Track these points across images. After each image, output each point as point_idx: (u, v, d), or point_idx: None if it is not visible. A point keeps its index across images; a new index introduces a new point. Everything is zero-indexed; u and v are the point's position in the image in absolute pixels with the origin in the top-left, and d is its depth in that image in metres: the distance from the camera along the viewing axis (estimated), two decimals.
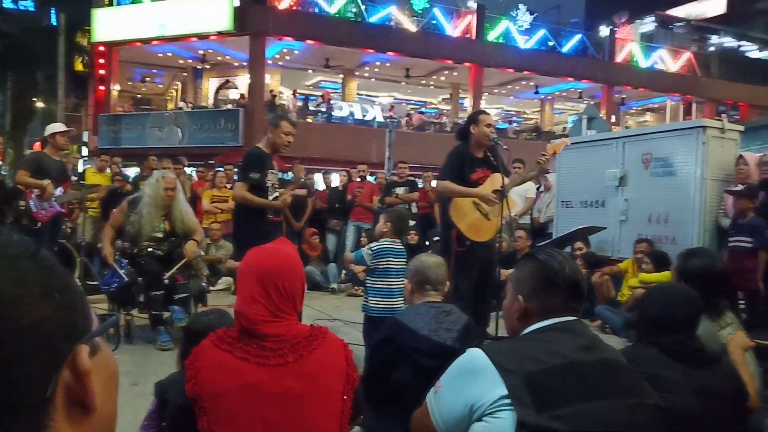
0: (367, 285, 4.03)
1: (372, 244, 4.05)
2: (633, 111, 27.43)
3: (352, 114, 20.09)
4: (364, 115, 20.26)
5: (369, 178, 9.91)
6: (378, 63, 21.32)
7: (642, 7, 27.33)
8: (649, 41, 25.13)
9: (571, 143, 7.27)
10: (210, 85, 21.91)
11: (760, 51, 28.25)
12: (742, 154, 5.75)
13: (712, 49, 26.80)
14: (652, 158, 6.16)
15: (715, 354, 2.24)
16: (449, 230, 4.63)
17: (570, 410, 1.39)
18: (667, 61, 24.43)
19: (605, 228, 6.53)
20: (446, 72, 22.32)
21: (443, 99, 25.38)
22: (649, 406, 1.54)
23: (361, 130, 19.11)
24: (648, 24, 27.03)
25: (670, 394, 2.02)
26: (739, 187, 5.14)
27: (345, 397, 1.65)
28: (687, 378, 2.12)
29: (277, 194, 4.38)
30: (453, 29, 21.13)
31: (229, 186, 8.50)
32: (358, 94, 22.84)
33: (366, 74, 22.49)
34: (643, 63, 23.87)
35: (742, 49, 28.00)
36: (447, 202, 4.69)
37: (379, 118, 20.02)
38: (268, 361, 1.59)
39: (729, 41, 27.60)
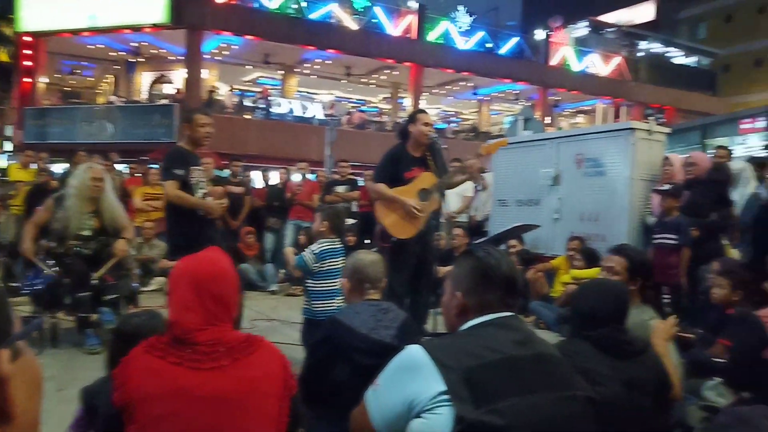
0: (309, 288, 3.95)
1: (313, 247, 3.97)
2: (566, 113, 28.31)
3: (291, 111, 19.87)
4: (304, 113, 20.06)
5: (309, 176, 9.83)
6: (319, 60, 21.17)
7: (575, 13, 28.31)
8: (582, 46, 26.00)
9: (508, 143, 7.45)
10: (144, 79, 21.17)
11: (685, 57, 29.71)
12: (667, 155, 6.02)
13: (641, 54, 27.99)
14: (585, 158, 6.36)
15: (642, 346, 2.33)
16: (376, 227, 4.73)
17: (507, 404, 1.41)
18: (599, 65, 25.37)
19: (539, 226, 6.68)
20: (387, 71, 22.40)
21: (384, 98, 25.46)
22: (581, 398, 1.58)
23: (300, 128, 18.92)
24: (581, 29, 28.00)
25: (601, 386, 2.08)
26: (665, 187, 5.38)
27: (282, 403, 1.63)
28: (616, 370, 2.20)
29: (204, 191, 4.25)
30: (394, 28, 21.24)
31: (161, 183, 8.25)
32: (298, 91, 22.61)
33: (306, 71, 22.29)
34: (576, 66, 24.69)
35: (668, 55, 29.36)
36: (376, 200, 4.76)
37: (320, 116, 19.88)
38: (202, 365, 1.55)
39: (657, 47, 28.89)
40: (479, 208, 8.10)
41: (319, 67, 21.87)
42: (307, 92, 23.72)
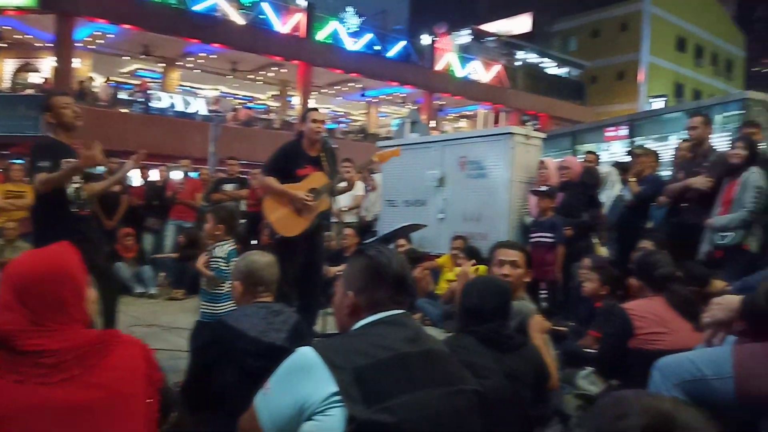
0: (216, 291, 3.76)
1: (219, 252, 3.80)
2: (450, 117, 29.34)
3: (173, 106, 19.00)
4: (186, 108, 19.26)
5: (191, 174, 9.44)
6: (203, 54, 20.41)
7: (459, 20, 29.42)
8: (464, 53, 27.04)
9: (395, 145, 7.57)
10: (6, 66, 19.36)
11: (557, 68, 31.76)
12: (543, 159, 6.40)
13: (518, 63, 29.58)
14: (468, 161, 6.61)
15: (522, 340, 2.44)
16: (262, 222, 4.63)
17: (398, 401, 1.42)
18: (480, 72, 26.52)
19: (426, 226, 6.84)
20: (275, 68, 22.05)
21: (272, 95, 25.06)
22: (468, 391, 1.62)
23: (183, 123, 18.15)
24: (464, 36, 29.11)
25: (485, 379, 2.16)
26: (542, 189, 5.71)
27: (149, 399, 1.53)
28: (499, 363, 2.29)
29: (78, 185, 3.86)
30: (282, 25, 20.95)
31: (27, 180, 7.56)
32: (180, 85, 21.69)
33: (189, 65, 21.42)
34: (460, 72, 25.65)
35: (542, 65, 31.25)
36: (264, 195, 4.67)
37: (203, 112, 19.17)
38: (50, 378, 1.40)
39: (532, 57, 30.66)
40: (369, 208, 8.16)
41: (203, 61, 21.10)
42: (190, 87, 22.83)
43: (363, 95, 24.65)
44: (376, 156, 4.96)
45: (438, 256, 6.57)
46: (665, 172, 6.27)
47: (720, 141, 6.70)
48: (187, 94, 20.80)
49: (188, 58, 20.80)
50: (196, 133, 16.34)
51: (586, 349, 3.59)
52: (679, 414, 0.78)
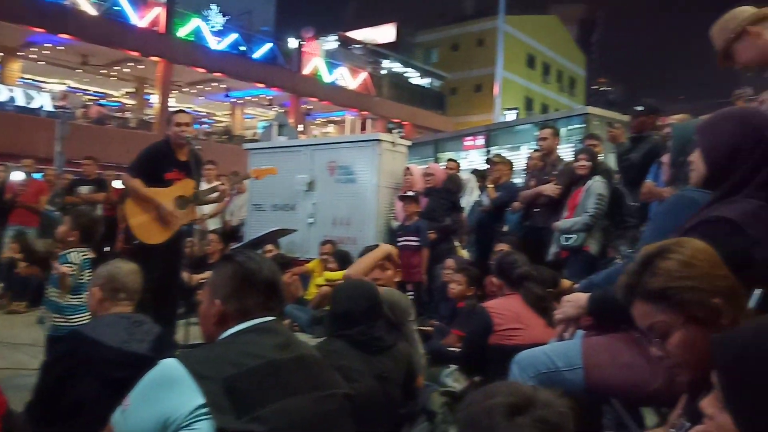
0: (69, 302, 3.43)
1: (73, 258, 3.48)
2: (318, 122, 29.38)
3: (13, 100, 17.22)
4: (28, 102, 17.54)
5: (35, 175, 8.60)
6: (49, 45, 18.70)
7: (326, 26, 29.60)
8: (332, 58, 27.22)
9: (263, 148, 7.45)
10: None
11: (420, 78, 32.97)
12: (408, 165, 6.60)
13: (383, 72, 30.31)
14: (337, 166, 6.65)
15: (391, 341, 2.50)
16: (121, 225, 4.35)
17: (268, 410, 1.40)
18: (347, 78, 26.84)
19: (295, 230, 6.80)
20: (131, 64, 20.75)
21: (127, 92, 23.59)
22: (339, 395, 1.64)
23: (24, 119, 16.51)
24: (331, 42, 29.31)
25: (356, 382, 2.18)
26: (408, 194, 5.88)
27: None
28: (369, 365, 2.33)
29: None
30: (139, 19, 19.77)
31: None
32: (21, 77, 19.72)
33: (33, 56, 19.53)
34: (327, 78, 25.78)
35: (406, 74, 32.30)
36: (127, 196, 4.39)
37: (49, 107, 17.56)
38: None
39: (397, 67, 31.58)
40: (235, 213, 7.94)
41: (49, 52, 19.33)
42: (34, 80, 20.84)
43: (227, 96, 23.96)
44: (252, 172, 4.85)
45: (307, 261, 6.54)
46: (519, 180, 6.72)
47: (566, 151, 7.30)
48: (30, 88, 18.95)
49: (32, 49, 18.96)
50: (40, 130, 14.91)
51: (450, 348, 3.74)
52: (538, 393, 0.91)
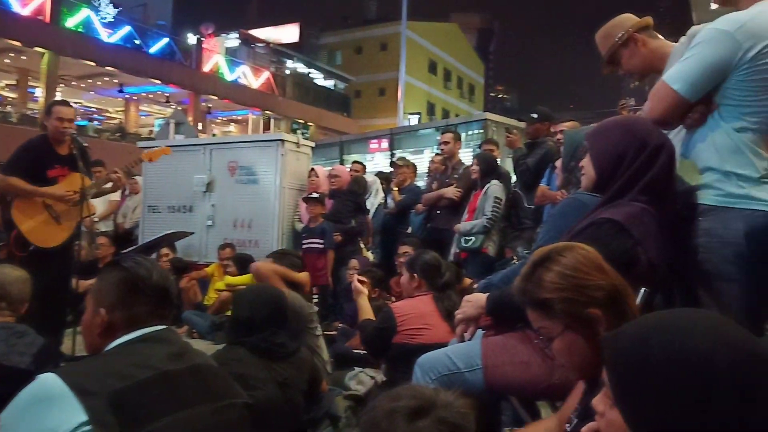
0: None
1: None
2: (219, 120, 28.57)
3: None
4: None
5: None
6: None
7: (227, 23, 28.84)
8: (233, 56, 26.56)
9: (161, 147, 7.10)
10: None
11: (324, 79, 32.88)
12: (313, 167, 6.54)
13: (287, 72, 29.96)
14: (238, 166, 6.48)
15: (295, 347, 2.45)
16: (10, 232, 3.97)
17: (160, 424, 1.34)
18: (250, 77, 26.29)
19: (193, 233, 6.57)
20: (12, 54, 19.23)
21: (7, 85, 21.84)
22: (238, 405, 1.59)
23: None
24: (233, 39, 28.58)
25: (257, 390, 2.12)
26: (313, 196, 5.82)
27: None
28: (271, 372, 2.27)
29: None
30: (21, 7, 18.33)
31: None
32: None
33: None
34: (229, 76, 25.13)
35: (311, 75, 32.12)
36: (11, 200, 4.01)
37: None
38: None
39: (301, 67, 31.31)
40: (128, 215, 7.52)
41: None
42: None
43: (121, 91, 22.74)
44: (144, 155, 4.57)
45: (206, 265, 6.32)
46: (422, 183, 6.84)
47: (467, 155, 7.51)
48: None
49: None
50: None
51: (355, 350, 3.74)
52: (439, 395, 0.94)
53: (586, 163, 1.90)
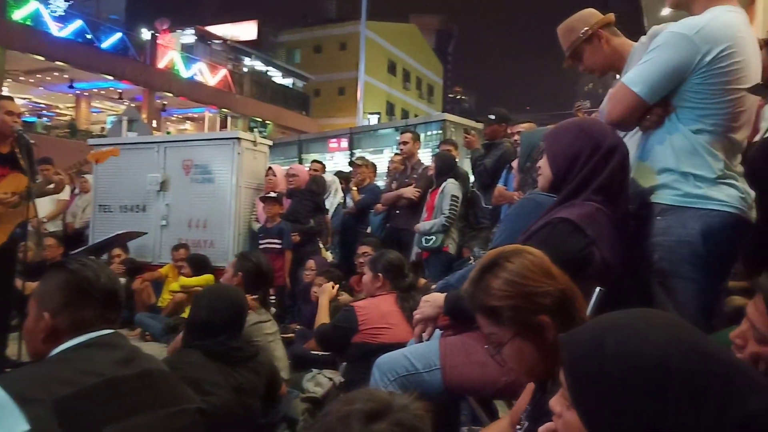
0: None
1: None
2: (174, 118, 27.99)
3: None
4: None
5: None
6: None
7: (182, 18, 28.28)
8: (189, 52, 26.05)
9: (111, 144, 6.90)
10: None
11: (282, 78, 32.57)
12: (271, 166, 6.46)
13: (245, 69, 29.56)
14: (193, 165, 6.36)
15: (253, 351, 2.40)
16: None
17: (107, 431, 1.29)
18: (206, 74, 25.82)
19: (146, 233, 6.42)
20: None
21: None
22: (190, 411, 1.56)
23: None
24: (188, 36, 28.03)
25: (212, 395, 2.08)
26: (270, 195, 5.74)
27: None
28: (227, 377, 2.22)
29: None
30: None
31: None
32: None
33: None
34: (185, 73, 24.63)
35: (269, 73, 31.75)
36: None
37: None
38: None
39: (259, 65, 30.93)
40: (77, 214, 7.30)
41: None
42: None
43: (71, 87, 22.03)
44: (90, 155, 4.42)
45: (160, 266, 6.19)
46: (381, 182, 6.84)
47: (426, 156, 7.54)
48: None
49: None
50: None
51: (313, 352, 3.70)
52: (395, 398, 0.93)
53: (543, 164, 1.92)
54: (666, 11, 8.64)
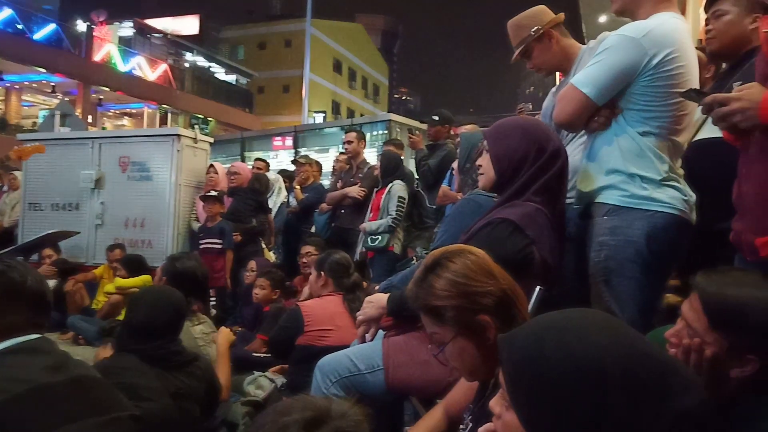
0: None
1: None
2: (111, 113, 27.01)
3: None
4: None
5: None
6: None
7: (120, 10, 27.25)
8: (127, 46, 25.21)
9: (43, 139, 6.62)
10: None
11: (225, 74, 31.94)
12: (212, 163, 6.32)
13: (186, 65, 28.83)
14: (130, 162, 6.17)
15: (192, 355, 2.34)
16: None
17: None
18: (145, 69, 25.04)
19: (79, 233, 6.18)
20: None
21: None
22: (123, 418, 1.51)
23: None
24: (127, 28, 27.12)
25: (149, 401, 2.01)
26: (211, 194, 5.61)
27: None
28: (165, 382, 2.15)
29: None
30: None
31: None
32: None
33: None
34: (122, 67, 23.81)
35: (212, 69, 31.08)
36: None
37: None
38: None
39: (201, 61, 30.23)
40: (6, 212, 6.97)
41: None
42: None
43: (1, 79, 20.95)
44: (13, 152, 4.21)
45: (94, 267, 5.96)
46: (326, 182, 6.80)
47: (372, 155, 7.55)
48: None
49: None
50: None
51: (255, 354, 3.64)
52: (333, 405, 0.90)
53: (485, 163, 1.94)
54: (604, 18, 8.95)
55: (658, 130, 1.88)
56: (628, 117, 1.91)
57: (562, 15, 2.33)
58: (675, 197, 1.86)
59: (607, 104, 1.93)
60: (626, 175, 1.89)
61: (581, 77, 1.93)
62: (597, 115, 1.94)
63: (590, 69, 1.92)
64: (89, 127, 15.29)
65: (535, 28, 2.26)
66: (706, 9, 2.23)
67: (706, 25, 2.23)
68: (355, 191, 5.46)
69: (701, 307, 1.26)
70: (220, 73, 31.38)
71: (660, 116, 1.88)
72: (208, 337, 2.91)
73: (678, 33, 1.89)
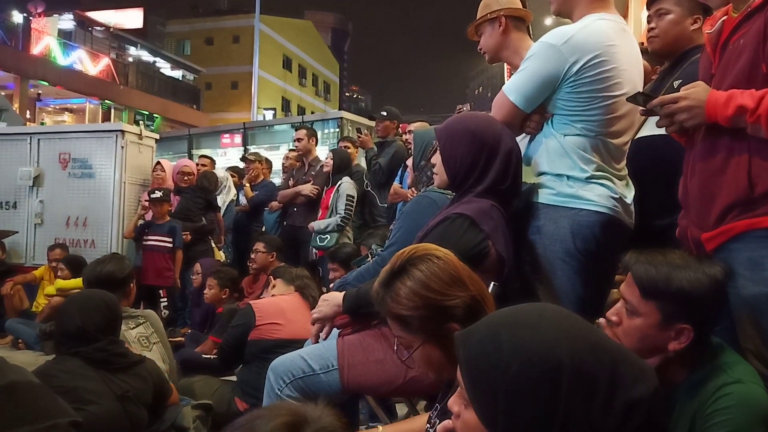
0: None
1: None
2: (51, 109, 25.96)
3: None
4: None
5: None
6: None
7: (60, 2, 26.20)
8: (68, 39, 24.27)
9: None
10: None
11: (171, 69, 31.13)
12: (159, 161, 6.14)
13: (130, 59, 27.97)
14: (71, 158, 5.94)
15: (138, 357, 2.26)
16: None
17: None
18: (87, 63, 24.15)
19: (17, 232, 5.93)
20: None
21: None
22: (62, 425, 1.42)
23: None
24: (67, 21, 26.11)
25: (93, 404, 1.95)
26: (157, 192, 5.44)
27: None
28: (109, 385, 2.08)
29: None
30: None
31: None
32: None
33: None
34: (62, 61, 22.90)
35: (157, 64, 30.24)
36: None
37: None
38: None
39: (146, 55, 29.38)
40: None
41: None
42: None
43: None
44: None
45: (34, 268, 5.73)
46: (277, 179, 6.70)
47: (324, 153, 7.48)
48: None
49: None
50: None
51: (205, 356, 3.55)
52: (306, 409, 0.86)
53: (438, 164, 1.94)
54: (549, 20, 9.13)
55: (584, 132, 1.90)
56: (555, 121, 1.95)
57: (528, 13, 2.32)
58: (602, 195, 1.87)
59: (538, 109, 1.96)
60: (553, 175, 1.92)
61: (510, 84, 1.97)
62: (528, 119, 1.98)
63: (516, 76, 1.96)
64: (27, 123, 14.65)
65: (495, 9, 2.25)
66: (649, 6, 2.27)
67: (648, 23, 2.28)
68: (308, 189, 5.40)
69: (633, 280, 1.36)
70: (165, 68, 30.56)
71: (586, 119, 1.90)
72: (149, 339, 2.82)
73: (602, 36, 1.88)
